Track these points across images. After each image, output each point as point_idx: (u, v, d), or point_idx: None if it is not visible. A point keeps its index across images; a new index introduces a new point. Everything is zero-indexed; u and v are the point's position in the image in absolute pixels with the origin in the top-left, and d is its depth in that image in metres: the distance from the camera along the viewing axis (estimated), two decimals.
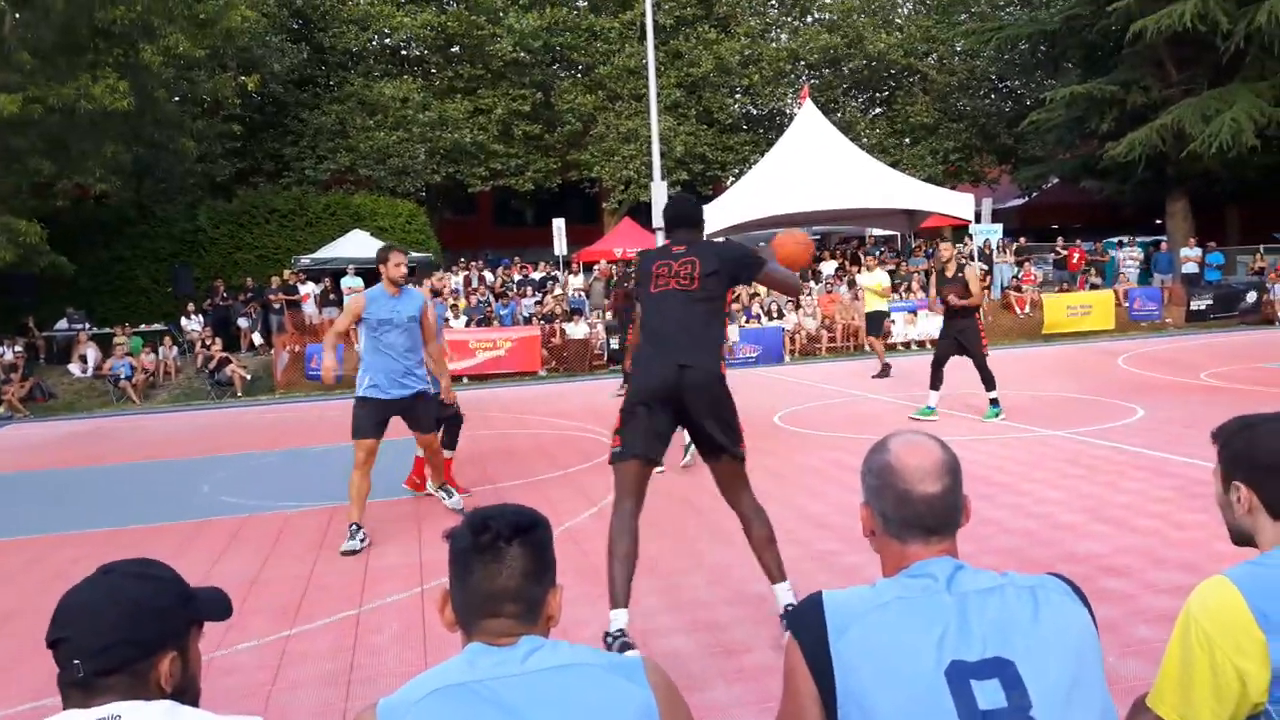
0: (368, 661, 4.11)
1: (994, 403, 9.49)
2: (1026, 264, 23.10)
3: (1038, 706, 1.44)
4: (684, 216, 4.12)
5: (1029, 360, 15.28)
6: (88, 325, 19.33)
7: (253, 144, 26.52)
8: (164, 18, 18.69)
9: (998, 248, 22.96)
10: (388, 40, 29.17)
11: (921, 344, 18.85)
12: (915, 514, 1.61)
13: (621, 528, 3.85)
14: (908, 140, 31.73)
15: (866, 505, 1.68)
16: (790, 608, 3.82)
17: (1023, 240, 25.42)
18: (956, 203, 19.65)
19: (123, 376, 16.70)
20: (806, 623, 1.55)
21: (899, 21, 32.22)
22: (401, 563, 5.60)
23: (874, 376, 13.95)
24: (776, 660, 3.79)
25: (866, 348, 18.71)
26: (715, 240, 4.40)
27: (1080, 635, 1.53)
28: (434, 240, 26.13)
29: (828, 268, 22.18)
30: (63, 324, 19.53)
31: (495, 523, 1.55)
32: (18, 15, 16.86)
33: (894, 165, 24.74)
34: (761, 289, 21.33)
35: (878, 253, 24.87)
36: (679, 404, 3.90)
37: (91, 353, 17.69)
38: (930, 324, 18.96)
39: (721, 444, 3.99)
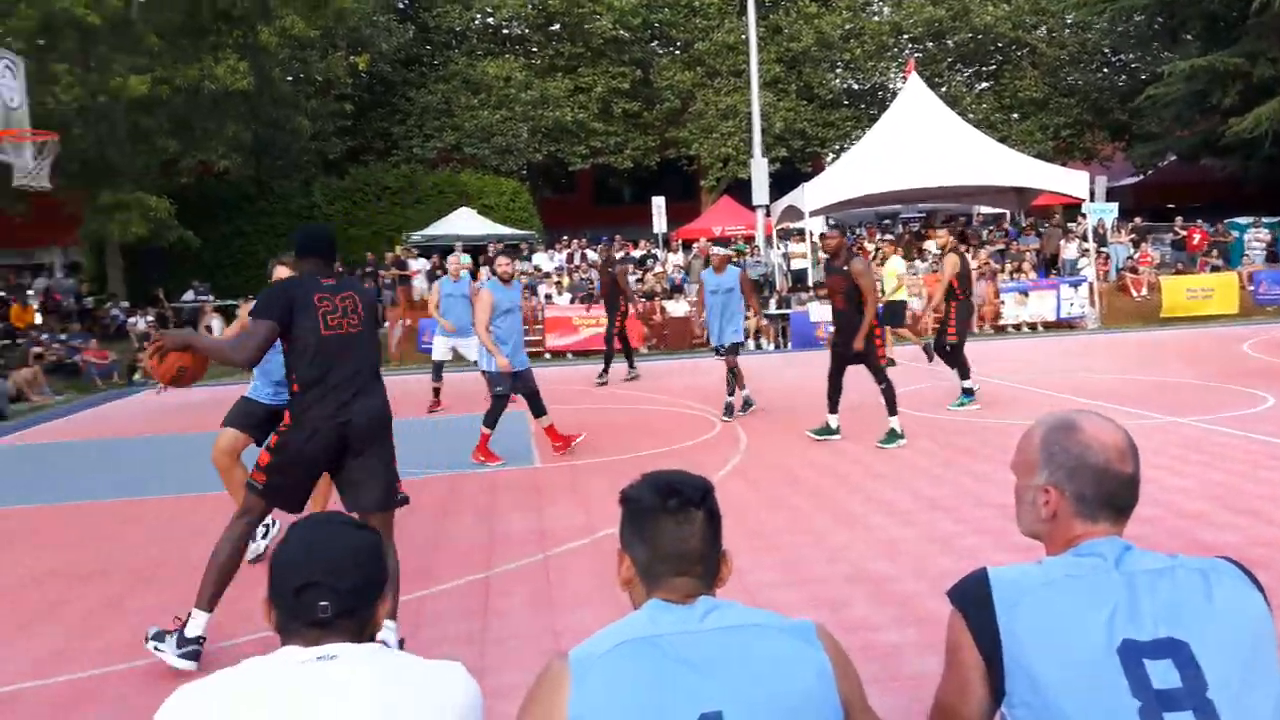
0: (498, 624, 4.29)
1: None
2: (1143, 245, 22.25)
3: (1214, 688, 1.45)
4: (327, 245, 3.96)
5: (1146, 344, 14.78)
6: (212, 297, 20.26)
7: (362, 122, 27.30)
8: (280, 0, 19.39)
9: (1112, 228, 22.16)
10: (490, 19, 29.58)
11: (1033, 325, 18.38)
12: (1110, 493, 1.64)
13: (233, 536, 3.90)
14: (1016, 115, 30.80)
15: (1054, 487, 1.67)
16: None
17: (1138, 220, 24.48)
18: (1069, 180, 19.02)
19: None
20: (973, 598, 1.59)
21: None
22: (526, 529, 5.80)
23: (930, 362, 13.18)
24: (901, 638, 3.85)
25: (976, 329, 18.36)
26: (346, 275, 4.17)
27: (1256, 620, 1.54)
28: (536, 218, 26.52)
29: (933, 246, 21.73)
30: (189, 296, 20.52)
31: (684, 487, 1.65)
32: None
33: (1002, 141, 24.04)
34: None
35: (978, 233, 24.25)
36: (344, 454, 3.84)
37: (216, 323, 18.54)
38: (1043, 305, 18.49)
39: (381, 493, 3.94)
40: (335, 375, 3.75)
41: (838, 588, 4.48)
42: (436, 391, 11.36)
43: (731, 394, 9.60)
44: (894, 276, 14.12)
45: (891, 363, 13.29)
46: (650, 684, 1.45)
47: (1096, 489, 1.64)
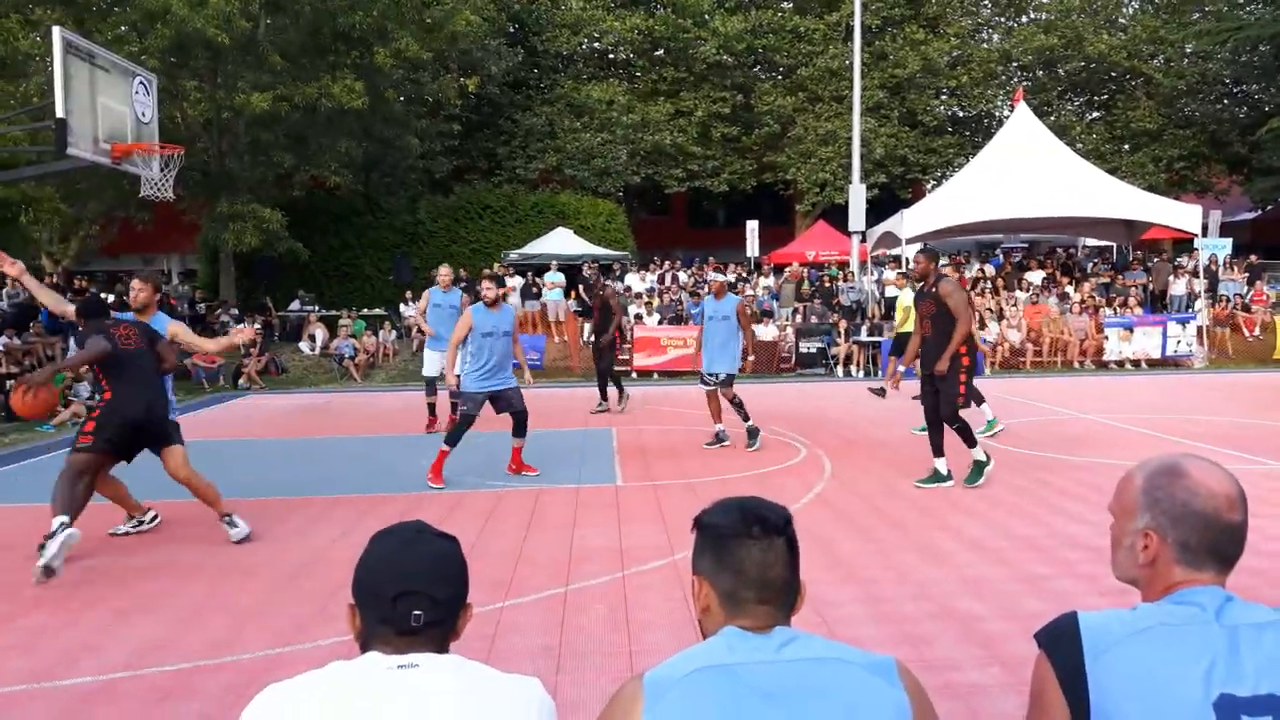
0: (575, 639, 4.33)
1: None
2: (1258, 283, 21.31)
3: None
4: (100, 309, 6.19)
5: (1257, 386, 14.11)
6: (317, 307, 21.00)
7: (469, 143, 28.01)
8: (397, 22, 20.10)
9: (1224, 264, 21.30)
10: (597, 44, 30.05)
11: (1137, 363, 17.76)
12: (1216, 542, 1.57)
13: (64, 482, 5.49)
14: (1128, 147, 29.90)
15: (1156, 532, 1.61)
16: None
17: (1254, 258, 23.42)
18: (1180, 214, 18.42)
19: (346, 356, 18.05)
20: (1061, 643, 1.54)
21: (1123, 21, 30.33)
22: (605, 546, 5.84)
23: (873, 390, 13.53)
24: (984, 678, 3.77)
25: (1076, 364, 17.80)
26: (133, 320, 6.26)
27: None
28: (630, 239, 26.77)
29: (1035, 277, 21.20)
30: (295, 305, 21.30)
31: (768, 514, 1.61)
32: (269, 20, 18.51)
33: (1112, 172, 23.37)
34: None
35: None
36: (141, 429, 5.78)
37: (320, 333, 19.19)
38: (1148, 342, 17.85)
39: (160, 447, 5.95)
40: (129, 375, 5.79)
41: (921, 624, 4.40)
42: (431, 408, 10.97)
43: (747, 419, 9.37)
44: (902, 309, 13.86)
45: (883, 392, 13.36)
46: (724, 713, 1.44)
47: (1201, 537, 1.58)
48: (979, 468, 7.39)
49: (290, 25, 18.77)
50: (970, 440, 7.36)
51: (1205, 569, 1.58)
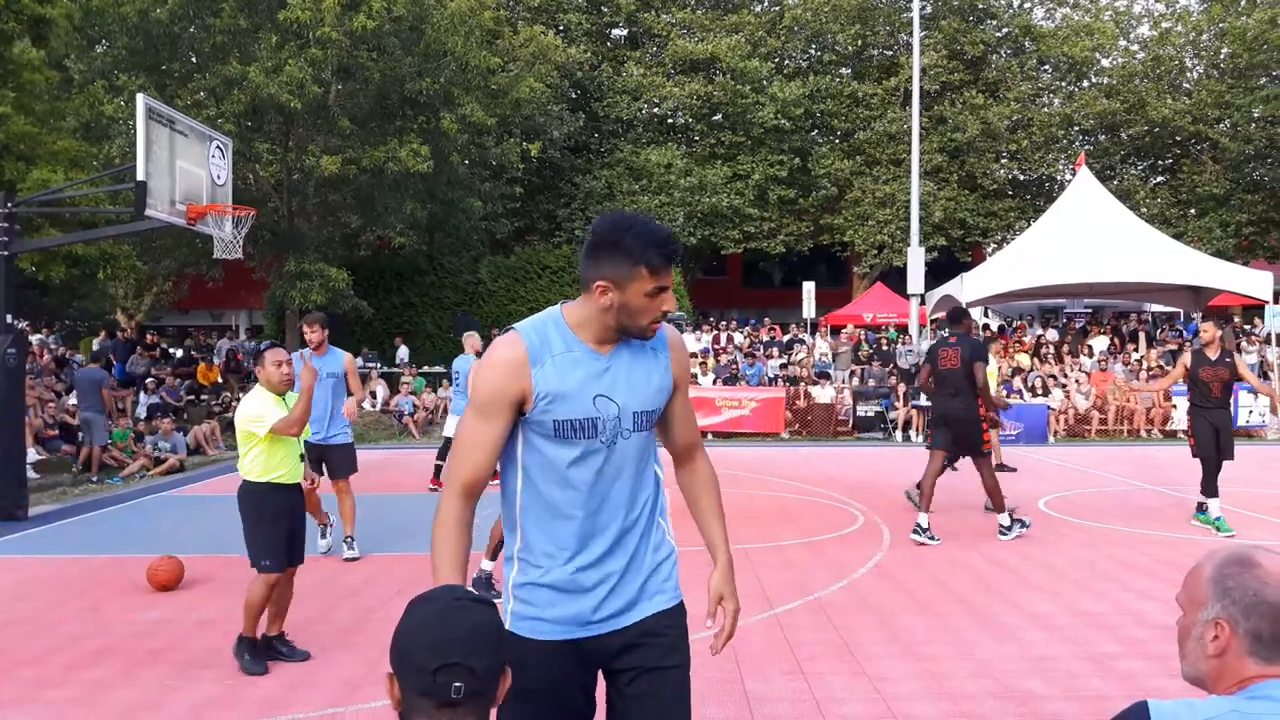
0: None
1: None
2: None
3: None
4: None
5: None
6: (379, 364, 21.37)
7: (530, 205, 28.54)
8: (463, 89, 20.69)
9: None
10: (656, 109, 30.56)
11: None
12: None
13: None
14: (1194, 211, 29.38)
15: (1227, 622, 1.56)
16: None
17: None
18: (1250, 280, 17.96)
19: (406, 413, 18.28)
20: None
21: (1187, 86, 30.02)
22: None
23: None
24: None
25: (1143, 433, 17.39)
26: None
27: None
28: (686, 299, 26.90)
29: (1100, 344, 20.81)
30: (359, 362, 21.68)
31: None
32: (339, 87, 19.17)
33: (1178, 238, 22.97)
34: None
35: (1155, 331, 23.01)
36: None
37: (381, 389, 19.49)
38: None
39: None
40: None
41: (983, 703, 4.27)
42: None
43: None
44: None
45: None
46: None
47: (1274, 628, 1.53)
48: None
49: (360, 91, 19.42)
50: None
51: (1278, 662, 1.53)
